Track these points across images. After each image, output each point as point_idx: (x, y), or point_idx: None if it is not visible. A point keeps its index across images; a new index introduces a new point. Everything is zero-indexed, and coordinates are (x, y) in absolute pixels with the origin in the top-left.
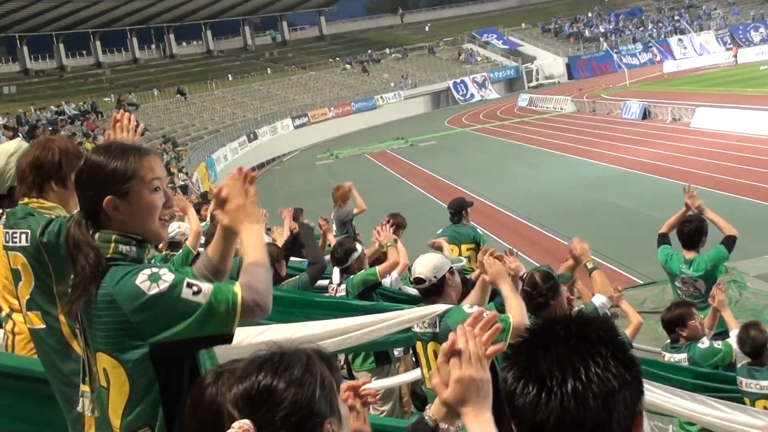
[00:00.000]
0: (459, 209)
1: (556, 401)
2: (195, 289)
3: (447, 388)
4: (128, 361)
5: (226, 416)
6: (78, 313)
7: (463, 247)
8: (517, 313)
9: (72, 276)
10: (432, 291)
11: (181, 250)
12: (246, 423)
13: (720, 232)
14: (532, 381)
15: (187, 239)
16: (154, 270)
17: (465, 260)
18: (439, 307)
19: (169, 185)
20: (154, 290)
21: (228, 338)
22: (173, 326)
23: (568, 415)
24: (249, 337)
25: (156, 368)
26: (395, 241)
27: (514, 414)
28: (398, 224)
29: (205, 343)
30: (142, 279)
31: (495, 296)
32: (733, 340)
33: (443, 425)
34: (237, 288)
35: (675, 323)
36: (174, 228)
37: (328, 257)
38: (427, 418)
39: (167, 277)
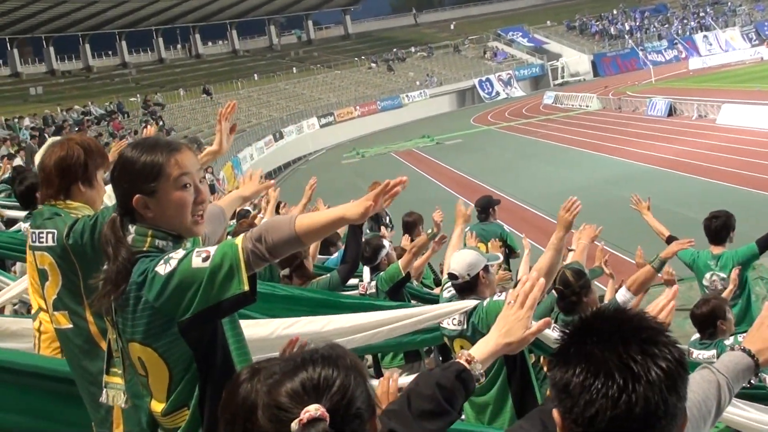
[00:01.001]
0: (486, 207)
1: (640, 390)
2: (204, 255)
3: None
4: (161, 346)
5: (275, 409)
6: (112, 305)
7: (490, 244)
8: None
9: (103, 271)
10: (465, 288)
11: None
12: (320, 406)
13: (745, 230)
14: (617, 373)
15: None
16: (171, 254)
17: (501, 257)
18: (468, 303)
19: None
20: (168, 269)
21: (248, 296)
22: (191, 297)
23: (653, 401)
24: (278, 329)
25: (190, 346)
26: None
27: (583, 409)
28: (414, 222)
29: (229, 308)
30: (160, 265)
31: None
32: None
33: (478, 365)
34: (237, 240)
35: (716, 316)
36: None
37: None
38: (461, 354)
39: (177, 255)
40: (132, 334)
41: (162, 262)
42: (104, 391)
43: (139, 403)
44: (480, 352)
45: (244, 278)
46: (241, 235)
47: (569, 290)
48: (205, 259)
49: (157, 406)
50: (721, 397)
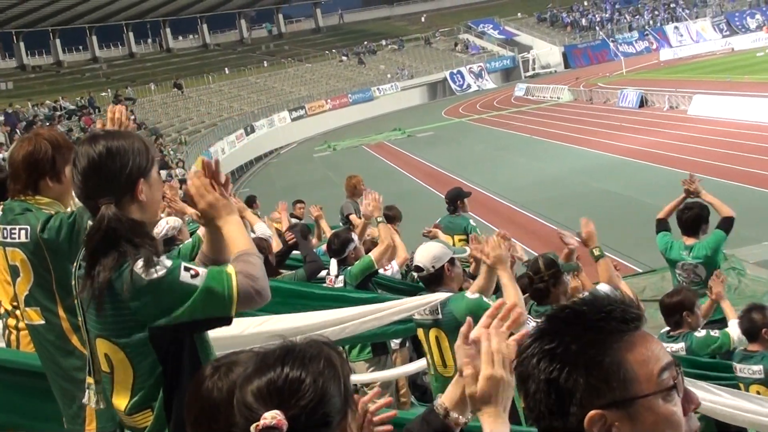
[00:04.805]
0: (454, 199)
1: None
2: (192, 272)
3: (475, 381)
4: (128, 345)
5: (243, 407)
6: (79, 299)
7: (456, 237)
8: (514, 298)
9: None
10: (431, 280)
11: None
12: (278, 413)
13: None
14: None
15: (178, 232)
16: (154, 258)
17: (468, 250)
18: (440, 295)
19: (168, 179)
20: (152, 276)
21: (227, 321)
22: (172, 310)
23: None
24: (250, 327)
25: (156, 351)
26: (384, 222)
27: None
28: (393, 216)
29: (204, 326)
30: (140, 265)
31: (497, 290)
32: (731, 329)
33: (454, 414)
34: (231, 270)
35: (682, 308)
36: (163, 225)
37: (323, 247)
38: (437, 406)
39: (165, 263)
40: (100, 330)
41: (143, 263)
42: (86, 393)
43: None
44: (451, 399)
45: (233, 308)
46: (235, 269)
47: (537, 277)
48: (193, 276)
49: (120, 404)
50: None
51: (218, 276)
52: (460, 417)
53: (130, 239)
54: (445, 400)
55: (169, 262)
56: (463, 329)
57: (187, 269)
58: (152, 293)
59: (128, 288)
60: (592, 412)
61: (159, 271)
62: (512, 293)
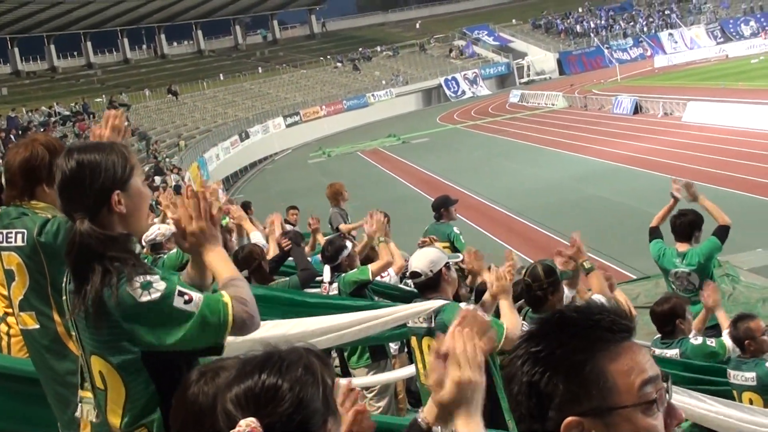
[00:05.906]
0: (438, 207)
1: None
2: (186, 298)
3: (441, 388)
4: (120, 364)
5: (223, 414)
6: (73, 317)
7: (440, 245)
8: (510, 322)
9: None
10: (428, 285)
11: (175, 249)
12: (253, 421)
13: (713, 222)
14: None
15: (167, 240)
16: (147, 278)
17: (461, 256)
18: (434, 303)
19: (162, 185)
20: (146, 298)
21: (219, 349)
22: (164, 335)
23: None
24: None
25: (149, 370)
26: (386, 239)
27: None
28: None
29: (199, 352)
30: (135, 286)
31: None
32: (725, 338)
33: (436, 428)
34: (227, 299)
35: (674, 316)
36: (154, 230)
37: (318, 257)
38: (420, 420)
39: (159, 285)
40: (94, 348)
41: (138, 284)
42: (79, 406)
43: None
44: (431, 412)
45: (225, 336)
46: (231, 297)
47: (536, 284)
48: (187, 302)
49: (115, 421)
50: None
51: (214, 305)
52: (443, 430)
53: (106, 255)
54: (426, 414)
55: (163, 285)
56: (434, 345)
57: (181, 294)
58: (145, 316)
59: (120, 307)
60: (569, 418)
61: (152, 294)
62: (511, 318)
